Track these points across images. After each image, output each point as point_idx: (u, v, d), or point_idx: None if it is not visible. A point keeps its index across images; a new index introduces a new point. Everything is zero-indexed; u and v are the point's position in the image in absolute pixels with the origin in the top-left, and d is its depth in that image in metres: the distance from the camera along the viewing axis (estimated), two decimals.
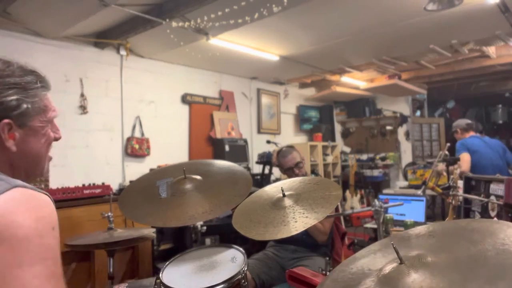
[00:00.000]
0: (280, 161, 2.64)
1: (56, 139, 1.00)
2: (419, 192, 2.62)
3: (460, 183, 2.30)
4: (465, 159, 3.83)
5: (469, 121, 4.27)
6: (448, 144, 3.08)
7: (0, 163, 0.88)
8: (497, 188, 1.93)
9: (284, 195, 1.56)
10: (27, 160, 0.92)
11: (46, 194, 0.80)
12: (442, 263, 0.75)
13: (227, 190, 1.67)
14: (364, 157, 7.13)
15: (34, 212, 0.74)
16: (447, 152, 3.36)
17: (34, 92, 0.91)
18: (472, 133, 4.12)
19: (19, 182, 0.79)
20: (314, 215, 1.40)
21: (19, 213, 0.72)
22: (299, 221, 1.39)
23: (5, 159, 0.88)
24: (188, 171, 1.73)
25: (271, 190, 1.72)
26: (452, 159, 3.65)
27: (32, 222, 0.72)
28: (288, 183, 1.72)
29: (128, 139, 4.16)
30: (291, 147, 2.70)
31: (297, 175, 2.52)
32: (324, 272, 1.58)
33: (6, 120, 0.85)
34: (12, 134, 0.87)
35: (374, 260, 0.91)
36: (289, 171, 2.59)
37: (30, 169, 0.93)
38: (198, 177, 1.74)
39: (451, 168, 3.52)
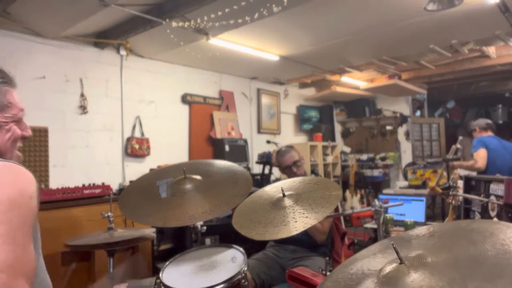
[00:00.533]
0: (279, 160, 2.67)
1: (25, 137, 0.98)
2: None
3: (460, 183, 2.30)
4: (481, 155, 3.80)
5: (489, 121, 4.27)
6: (461, 138, 3.06)
7: None
8: (497, 188, 1.93)
9: (284, 195, 1.56)
10: None
11: (21, 164, 0.80)
12: (442, 262, 0.76)
13: (227, 190, 1.67)
14: (364, 157, 7.13)
15: (12, 180, 0.74)
16: (459, 146, 3.35)
17: None
18: (490, 133, 4.12)
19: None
20: (314, 215, 1.40)
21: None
22: (299, 221, 1.40)
23: None
24: (188, 171, 1.73)
25: (271, 190, 1.72)
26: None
27: (8, 188, 0.72)
28: (288, 183, 1.72)
29: (128, 139, 4.16)
30: (290, 147, 2.73)
31: (295, 174, 2.53)
32: (324, 272, 1.58)
33: None
34: None
35: (374, 260, 0.92)
36: (287, 170, 2.61)
37: None
38: (198, 177, 1.74)
39: (456, 163, 3.49)
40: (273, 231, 1.39)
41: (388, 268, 0.81)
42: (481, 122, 4.25)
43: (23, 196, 0.74)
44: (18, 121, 0.95)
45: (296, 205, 1.49)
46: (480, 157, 3.78)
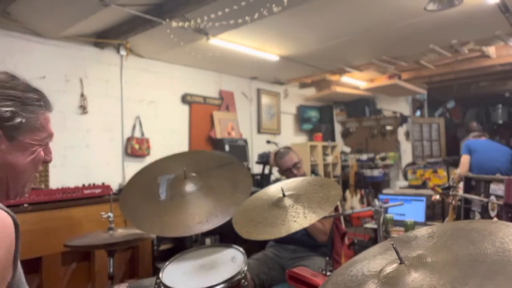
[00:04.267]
0: (278, 162, 2.64)
1: (46, 162, 0.97)
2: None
3: (461, 183, 2.30)
4: (462, 161, 3.86)
5: (479, 131, 4.33)
6: None
7: None
8: (497, 188, 1.93)
9: (284, 195, 1.56)
10: (9, 174, 0.89)
11: (7, 212, 0.75)
12: (442, 261, 0.76)
13: (225, 196, 1.67)
14: (364, 157, 7.13)
15: None
16: None
17: (32, 109, 0.90)
18: (483, 138, 4.15)
19: None
20: (314, 215, 1.40)
21: None
22: (298, 220, 1.40)
23: None
24: (188, 168, 1.73)
25: (271, 190, 1.72)
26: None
27: None
28: (288, 183, 1.72)
29: (128, 139, 4.16)
30: (288, 148, 2.70)
31: (295, 176, 2.52)
32: (324, 272, 1.58)
33: None
34: None
35: (374, 261, 0.92)
36: (287, 172, 2.59)
37: (11, 184, 0.90)
38: (198, 176, 1.74)
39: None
40: (272, 231, 1.39)
41: (389, 269, 0.82)
42: (475, 131, 4.31)
43: None
44: (45, 145, 0.95)
45: (296, 205, 1.49)
46: (461, 163, 3.85)
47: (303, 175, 2.60)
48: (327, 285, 0.95)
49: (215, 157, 2.05)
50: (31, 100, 0.90)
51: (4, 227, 0.72)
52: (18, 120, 0.86)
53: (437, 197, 2.95)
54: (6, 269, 0.72)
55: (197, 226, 1.55)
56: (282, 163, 2.61)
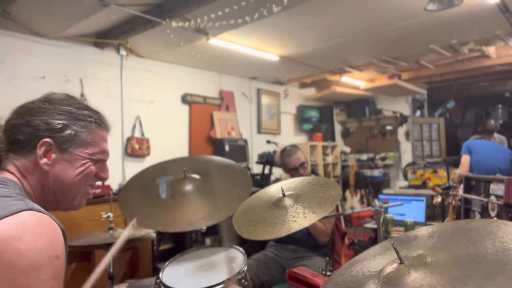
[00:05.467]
0: (285, 160, 2.62)
1: (101, 179, 1.00)
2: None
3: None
4: (462, 161, 3.88)
5: (479, 134, 4.34)
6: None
7: (32, 181, 0.90)
8: (497, 188, 1.93)
9: (284, 195, 1.56)
10: (58, 185, 0.92)
11: (56, 222, 0.80)
12: (442, 261, 0.76)
13: (227, 193, 1.67)
14: (364, 157, 7.13)
15: (40, 240, 0.73)
16: None
17: (84, 124, 0.94)
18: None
19: (35, 205, 0.79)
20: (314, 215, 1.40)
21: (24, 239, 0.71)
22: (298, 220, 1.40)
23: (38, 177, 0.90)
24: (188, 169, 1.73)
25: (271, 190, 1.72)
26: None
27: (35, 253, 0.71)
28: (288, 183, 1.72)
29: (128, 139, 4.16)
30: (295, 147, 2.68)
31: (301, 175, 2.50)
32: (324, 272, 1.58)
33: (47, 139, 0.88)
34: (49, 155, 0.89)
35: (374, 261, 0.92)
36: (293, 171, 2.58)
37: (59, 195, 0.94)
38: (198, 176, 1.74)
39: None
40: (272, 231, 1.39)
41: (389, 269, 0.82)
42: (476, 133, 4.33)
43: (49, 260, 0.73)
44: (97, 161, 0.97)
45: (296, 205, 1.49)
46: (461, 163, 3.86)
47: (308, 175, 2.59)
48: (328, 285, 0.95)
49: (214, 160, 2.05)
50: (83, 116, 0.95)
51: (57, 233, 0.78)
52: (68, 132, 0.91)
53: (439, 199, 2.95)
54: (63, 267, 0.77)
55: (200, 222, 1.55)
56: (289, 162, 2.58)
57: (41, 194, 0.91)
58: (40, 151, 0.88)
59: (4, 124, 0.93)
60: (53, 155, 0.90)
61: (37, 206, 0.79)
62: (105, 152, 0.99)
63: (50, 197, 0.92)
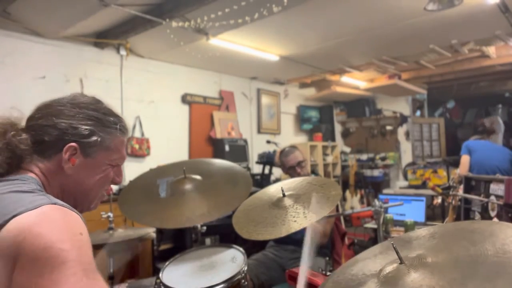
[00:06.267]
0: (283, 160, 2.68)
1: (116, 183, 1.01)
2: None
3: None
4: (462, 161, 3.87)
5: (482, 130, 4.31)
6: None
7: (53, 183, 0.91)
8: (497, 188, 1.93)
9: (284, 195, 1.56)
10: (78, 188, 0.94)
11: (77, 213, 0.82)
12: (442, 262, 0.76)
13: (226, 192, 1.68)
14: (364, 157, 7.13)
15: (59, 223, 0.74)
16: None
17: (110, 131, 0.95)
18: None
19: (59, 200, 0.80)
20: (314, 215, 1.40)
21: (43, 224, 0.72)
22: (298, 220, 1.40)
23: (59, 180, 0.91)
24: (188, 170, 1.73)
25: (271, 190, 1.72)
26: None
27: (56, 233, 0.72)
28: (288, 183, 1.72)
29: (128, 139, 4.16)
30: (293, 147, 2.75)
31: (299, 174, 2.53)
32: (324, 272, 1.58)
33: (73, 144, 0.89)
34: (73, 159, 0.90)
35: (374, 261, 0.92)
36: (291, 170, 2.61)
37: (78, 199, 0.95)
38: (198, 177, 1.74)
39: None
40: (272, 231, 1.39)
41: (389, 268, 0.82)
42: (476, 133, 4.31)
43: (75, 235, 0.75)
44: (115, 166, 0.99)
45: (296, 205, 1.49)
46: (461, 163, 3.87)
47: (307, 174, 2.61)
48: (328, 283, 0.95)
49: (215, 162, 2.05)
50: (109, 122, 0.96)
51: (79, 220, 0.80)
52: (94, 138, 0.92)
53: (439, 200, 2.96)
54: (89, 244, 0.79)
55: (199, 218, 1.55)
56: (286, 161, 2.64)
57: (61, 196, 0.91)
58: (65, 155, 0.89)
59: (28, 120, 0.93)
60: (77, 160, 0.91)
61: (60, 202, 0.80)
62: (124, 158, 1.01)
63: (69, 199, 0.92)
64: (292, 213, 1.45)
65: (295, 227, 1.36)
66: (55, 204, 0.78)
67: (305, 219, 1.39)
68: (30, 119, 0.93)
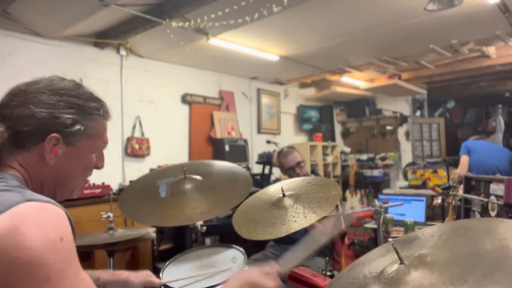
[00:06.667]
0: (281, 161, 2.67)
1: (97, 168, 0.99)
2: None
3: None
4: (461, 162, 3.88)
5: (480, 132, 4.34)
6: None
7: (34, 175, 0.88)
8: (497, 188, 1.93)
9: (284, 195, 1.56)
10: (59, 177, 0.91)
11: (55, 205, 0.78)
12: (442, 260, 0.77)
13: (226, 191, 1.67)
14: (364, 157, 7.13)
15: (38, 227, 0.70)
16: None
17: (92, 117, 0.93)
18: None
19: (34, 195, 0.77)
20: (314, 215, 1.40)
21: (22, 231, 0.68)
22: (298, 220, 1.40)
23: (39, 170, 0.88)
24: (189, 171, 1.73)
25: (271, 190, 1.72)
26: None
27: (35, 241, 0.68)
28: (288, 183, 1.72)
29: (128, 139, 4.16)
30: (291, 148, 2.74)
31: (298, 175, 2.53)
32: (324, 272, 1.58)
33: (55, 134, 0.86)
34: (56, 149, 0.87)
35: (376, 262, 0.92)
36: (290, 171, 2.61)
37: (60, 187, 0.92)
38: (198, 177, 1.74)
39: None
40: (272, 231, 1.39)
41: (389, 269, 0.82)
42: (476, 134, 4.33)
43: (52, 242, 0.70)
44: (98, 151, 0.97)
45: (296, 205, 1.49)
46: (461, 163, 3.88)
47: (306, 174, 2.61)
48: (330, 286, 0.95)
49: (216, 164, 2.05)
50: (91, 109, 0.93)
51: (60, 215, 0.76)
52: (77, 127, 0.89)
53: (439, 201, 2.96)
54: (71, 248, 0.74)
55: (199, 216, 1.55)
56: (285, 162, 2.63)
57: (40, 186, 0.88)
58: (47, 145, 0.85)
59: (1, 108, 0.87)
60: (59, 150, 0.87)
61: (36, 196, 0.77)
62: (106, 142, 0.99)
63: (49, 188, 0.90)
64: (292, 213, 1.44)
65: (295, 227, 1.36)
66: (31, 200, 0.74)
67: (305, 219, 1.39)
68: (4, 106, 0.87)
